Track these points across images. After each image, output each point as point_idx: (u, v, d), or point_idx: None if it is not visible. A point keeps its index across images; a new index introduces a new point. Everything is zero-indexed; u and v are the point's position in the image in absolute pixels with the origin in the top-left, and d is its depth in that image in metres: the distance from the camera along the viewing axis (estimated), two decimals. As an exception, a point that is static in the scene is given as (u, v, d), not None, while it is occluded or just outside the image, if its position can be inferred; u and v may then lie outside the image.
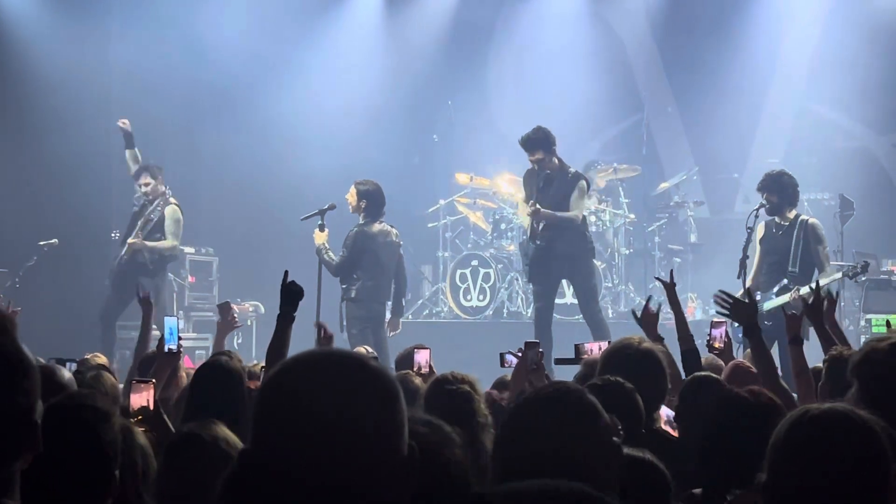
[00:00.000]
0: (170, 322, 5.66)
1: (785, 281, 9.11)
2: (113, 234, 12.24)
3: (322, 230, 10.12)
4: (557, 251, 10.00)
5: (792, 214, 9.27)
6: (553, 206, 9.99)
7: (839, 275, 9.28)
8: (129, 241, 11.16)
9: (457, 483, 2.42)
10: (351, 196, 10.22)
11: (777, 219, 9.26)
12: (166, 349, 5.57)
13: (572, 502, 1.41)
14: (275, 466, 1.68)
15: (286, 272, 5.03)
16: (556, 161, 10.13)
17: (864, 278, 9.22)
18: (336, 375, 1.72)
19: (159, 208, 11.32)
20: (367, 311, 10.08)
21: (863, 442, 2.33)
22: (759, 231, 9.33)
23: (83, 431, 2.64)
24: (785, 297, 8.95)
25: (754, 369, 5.53)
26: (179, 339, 5.67)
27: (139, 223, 11.30)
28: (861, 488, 2.27)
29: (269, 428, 1.71)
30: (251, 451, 1.71)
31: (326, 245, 10.12)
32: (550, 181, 10.08)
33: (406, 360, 6.26)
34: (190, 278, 13.34)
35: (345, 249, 10.13)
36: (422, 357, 5.87)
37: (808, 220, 9.33)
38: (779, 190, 9.20)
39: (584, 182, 10.22)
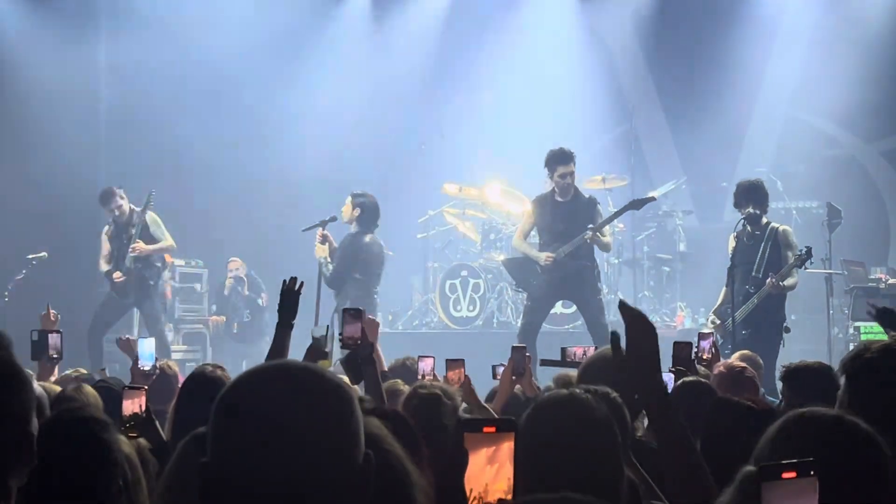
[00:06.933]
0: (147, 344, 5.73)
1: (747, 287, 9.20)
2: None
3: (323, 243, 10.24)
4: (570, 272, 10.07)
5: (764, 222, 9.37)
6: (577, 231, 10.04)
7: (796, 271, 9.27)
8: (134, 246, 11.20)
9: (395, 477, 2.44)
10: (346, 205, 10.37)
11: (750, 228, 9.32)
12: (143, 368, 5.63)
13: None
14: (232, 478, 1.70)
15: (294, 279, 5.12)
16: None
17: (811, 262, 9.32)
18: (289, 387, 1.73)
19: (136, 220, 11.37)
20: None
21: (862, 446, 2.34)
22: (731, 243, 9.40)
23: (89, 442, 2.64)
24: (749, 305, 9.07)
25: (744, 365, 5.57)
26: (156, 359, 5.77)
27: (125, 237, 11.33)
28: (847, 488, 2.27)
29: (224, 440, 1.72)
30: (210, 463, 1.72)
31: (328, 258, 10.20)
32: (573, 205, 10.15)
33: (399, 369, 6.37)
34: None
35: (337, 259, 10.17)
36: (426, 365, 5.94)
37: (778, 227, 9.41)
38: (763, 200, 9.32)
39: (600, 206, 10.36)
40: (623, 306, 2.81)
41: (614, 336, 2.83)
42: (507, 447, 2.07)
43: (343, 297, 10.11)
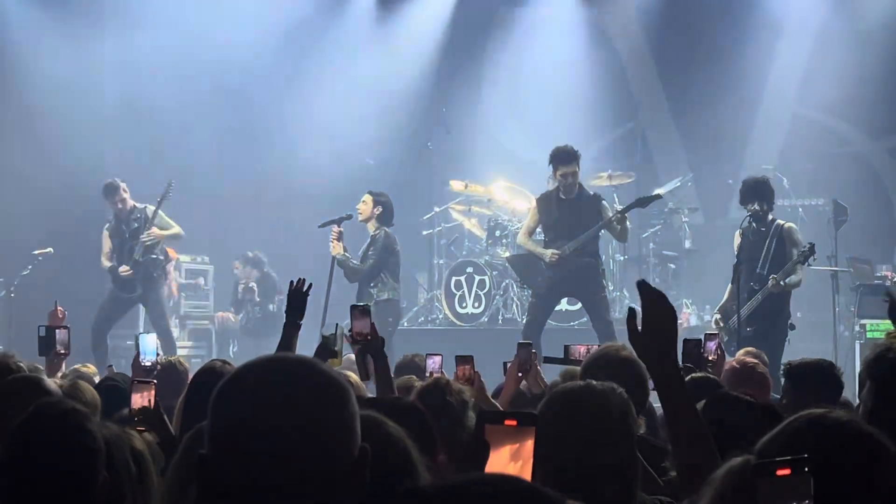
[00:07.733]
0: (148, 339, 5.73)
1: (752, 284, 9.20)
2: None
3: (339, 239, 10.56)
4: (575, 269, 10.10)
5: (769, 219, 9.37)
6: (581, 228, 10.13)
7: (801, 268, 9.28)
8: (147, 233, 11.26)
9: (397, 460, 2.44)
10: (366, 203, 10.66)
11: (756, 225, 9.33)
12: (144, 363, 5.63)
13: (512, 496, 1.44)
14: (228, 470, 1.71)
15: (302, 280, 5.19)
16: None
17: (815, 259, 9.32)
18: (284, 380, 1.76)
19: (138, 214, 11.42)
20: (397, 313, 10.88)
21: (865, 450, 2.32)
22: (737, 239, 9.41)
23: (66, 431, 2.64)
24: (753, 302, 9.07)
25: (756, 362, 5.57)
26: (158, 355, 5.77)
27: (126, 231, 11.37)
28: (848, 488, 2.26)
29: (221, 433, 1.75)
30: (208, 455, 1.73)
31: (347, 254, 10.49)
32: (578, 202, 10.20)
33: (407, 365, 6.40)
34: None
35: (376, 254, 10.56)
36: (434, 362, 6.00)
37: (783, 224, 9.42)
38: (769, 197, 9.33)
39: (605, 202, 10.47)
40: (642, 285, 2.80)
41: (630, 311, 2.83)
42: (530, 444, 2.07)
43: (381, 289, 10.54)
